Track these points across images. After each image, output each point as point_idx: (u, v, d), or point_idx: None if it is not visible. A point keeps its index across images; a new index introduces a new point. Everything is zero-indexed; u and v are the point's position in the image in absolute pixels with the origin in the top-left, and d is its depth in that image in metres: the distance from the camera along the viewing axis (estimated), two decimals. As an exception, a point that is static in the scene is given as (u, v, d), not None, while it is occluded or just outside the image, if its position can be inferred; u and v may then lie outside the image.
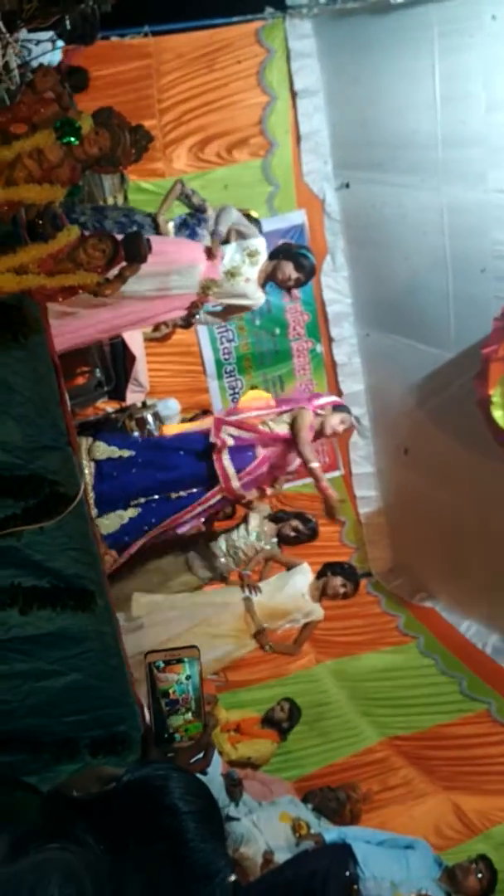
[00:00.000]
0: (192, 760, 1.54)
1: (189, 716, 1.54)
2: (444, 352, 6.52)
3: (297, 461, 4.56)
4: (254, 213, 5.35)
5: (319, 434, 4.63)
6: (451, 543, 7.05)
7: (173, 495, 4.30)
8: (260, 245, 4.55)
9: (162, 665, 1.53)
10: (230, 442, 4.36)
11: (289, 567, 4.98)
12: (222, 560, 5.01)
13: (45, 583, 3.11)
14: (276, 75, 6.92)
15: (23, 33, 3.40)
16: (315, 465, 4.48)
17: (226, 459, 4.32)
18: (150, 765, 1.31)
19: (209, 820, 1.22)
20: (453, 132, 5.82)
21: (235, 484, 4.34)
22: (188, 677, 1.54)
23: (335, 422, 4.61)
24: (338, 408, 4.70)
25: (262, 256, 4.54)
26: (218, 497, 4.43)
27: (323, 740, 6.95)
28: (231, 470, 4.32)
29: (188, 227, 5.14)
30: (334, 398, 4.96)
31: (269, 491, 4.76)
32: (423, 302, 6.60)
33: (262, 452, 4.44)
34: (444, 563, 7.35)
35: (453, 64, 5.66)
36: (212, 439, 4.40)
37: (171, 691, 1.53)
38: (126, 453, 4.26)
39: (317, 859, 4.83)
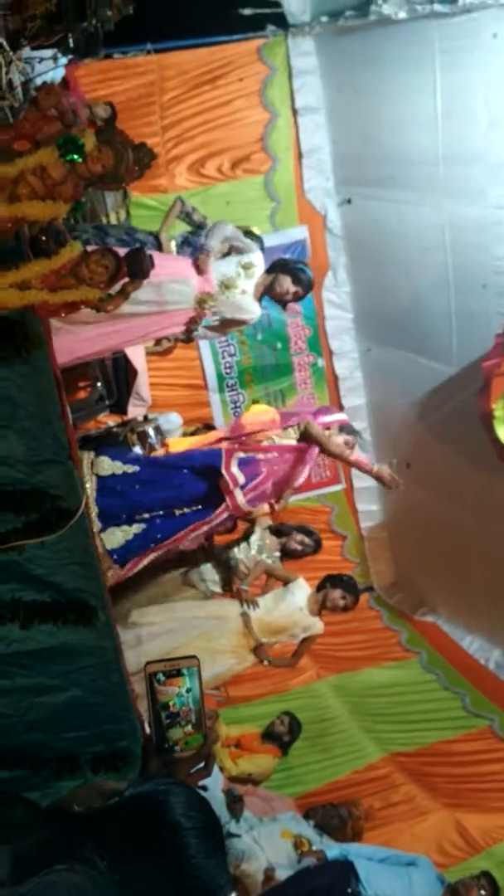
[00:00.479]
0: (193, 771, 1.53)
1: (189, 728, 1.53)
2: (445, 367, 6.53)
3: (303, 475, 4.51)
4: (255, 230, 5.38)
5: (325, 449, 4.61)
6: (453, 558, 7.03)
7: (177, 512, 4.28)
8: (255, 258, 4.56)
9: (163, 678, 1.53)
10: (241, 480, 4.33)
11: (285, 583, 4.97)
12: (223, 574, 5.01)
13: (47, 597, 3.12)
14: (278, 92, 6.97)
15: (26, 51, 3.43)
16: (353, 457, 4.48)
17: (237, 492, 4.30)
18: (151, 780, 1.30)
19: (211, 836, 1.22)
20: (454, 149, 5.85)
21: (241, 500, 4.31)
22: (188, 690, 1.53)
23: (339, 442, 4.59)
24: (344, 428, 4.67)
25: (258, 269, 4.55)
26: (224, 516, 4.41)
27: (324, 756, 6.91)
28: (240, 497, 4.30)
29: (190, 244, 5.16)
30: (341, 417, 4.91)
31: (276, 506, 4.73)
32: (424, 317, 6.61)
33: (265, 469, 4.42)
34: (446, 577, 7.33)
35: (454, 81, 5.70)
36: (223, 472, 4.32)
37: (171, 704, 1.53)
38: (130, 469, 4.25)
39: (318, 877, 4.81)
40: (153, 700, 1.53)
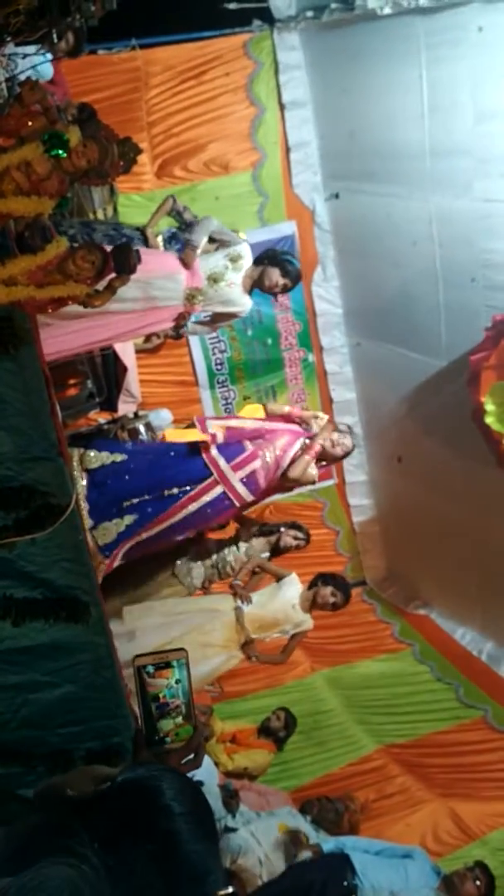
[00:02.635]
0: (183, 761, 1.54)
1: (179, 719, 1.54)
2: (435, 360, 6.55)
3: (292, 451, 4.45)
4: (242, 235, 5.36)
5: (325, 456, 4.55)
6: (445, 551, 7.06)
7: (166, 492, 4.25)
8: (243, 250, 4.56)
9: (152, 671, 1.54)
10: (220, 438, 4.31)
11: (278, 578, 4.98)
12: (209, 570, 5.01)
13: (38, 594, 3.11)
14: (265, 87, 6.97)
15: (9, 47, 3.42)
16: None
17: (214, 452, 4.29)
18: (143, 766, 1.31)
19: (202, 821, 1.23)
20: (441, 142, 5.86)
21: (224, 467, 4.28)
22: (178, 681, 1.54)
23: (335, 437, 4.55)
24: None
25: (246, 261, 4.54)
26: (215, 492, 4.32)
27: (319, 749, 6.93)
28: (222, 462, 4.28)
29: (178, 240, 5.15)
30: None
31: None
32: (413, 311, 6.63)
33: (251, 446, 4.40)
34: (438, 570, 7.35)
35: (441, 75, 5.71)
36: (200, 431, 4.36)
37: (161, 695, 1.54)
38: (119, 457, 4.23)
39: (315, 870, 4.81)
40: (143, 692, 1.54)
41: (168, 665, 1.54)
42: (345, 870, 4.74)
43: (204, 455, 4.31)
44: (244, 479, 4.33)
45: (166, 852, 1.14)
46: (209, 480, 4.27)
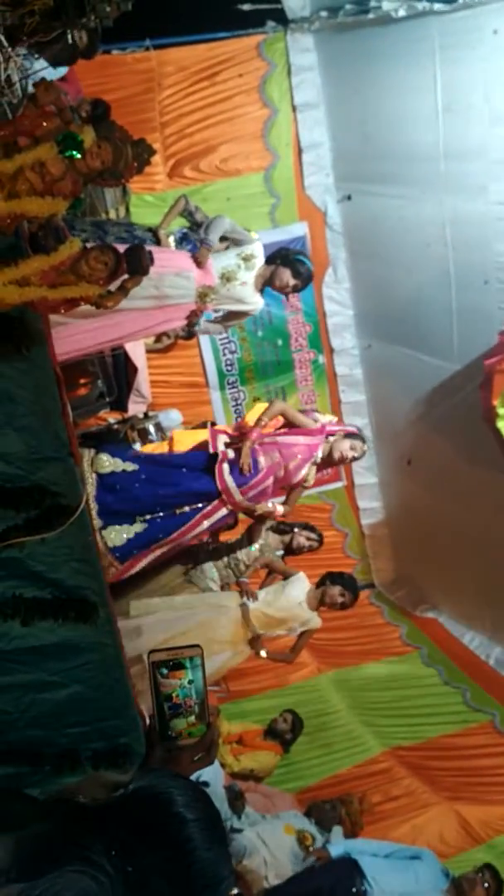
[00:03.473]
0: (196, 759, 1.54)
1: (192, 719, 1.54)
2: (446, 363, 6.53)
3: (302, 471, 4.49)
4: (253, 235, 5.36)
5: (329, 461, 4.58)
6: (454, 554, 7.04)
7: (178, 511, 4.28)
8: (256, 249, 4.56)
9: (165, 672, 1.54)
10: (231, 455, 4.34)
11: (286, 576, 4.98)
12: (223, 571, 5.02)
13: (47, 594, 3.12)
14: (277, 89, 6.96)
15: (24, 48, 3.42)
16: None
17: (226, 472, 4.30)
18: (153, 773, 1.31)
19: (213, 828, 1.24)
20: (455, 145, 5.84)
21: (238, 497, 4.31)
22: (191, 681, 1.54)
23: (345, 447, 4.56)
24: (349, 435, 4.64)
25: (259, 260, 4.55)
26: (223, 511, 4.38)
27: (325, 751, 6.92)
28: (231, 483, 4.29)
29: (189, 241, 5.15)
30: (349, 428, 4.88)
31: (285, 509, 4.71)
32: (425, 313, 6.61)
33: (265, 464, 4.41)
34: (447, 573, 7.33)
35: (455, 77, 5.69)
36: (212, 450, 4.39)
37: (174, 695, 1.54)
38: (130, 467, 4.25)
39: (322, 876, 4.80)
40: (156, 691, 1.54)
41: (182, 665, 1.54)
42: (353, 875, 4.73)
43: (216, 474, 4.31)
44: (251, 498, 4.37)
45: (180, 860, 1.15)
46: (217, 502, 4.31)
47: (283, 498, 4.82)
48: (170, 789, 1.22)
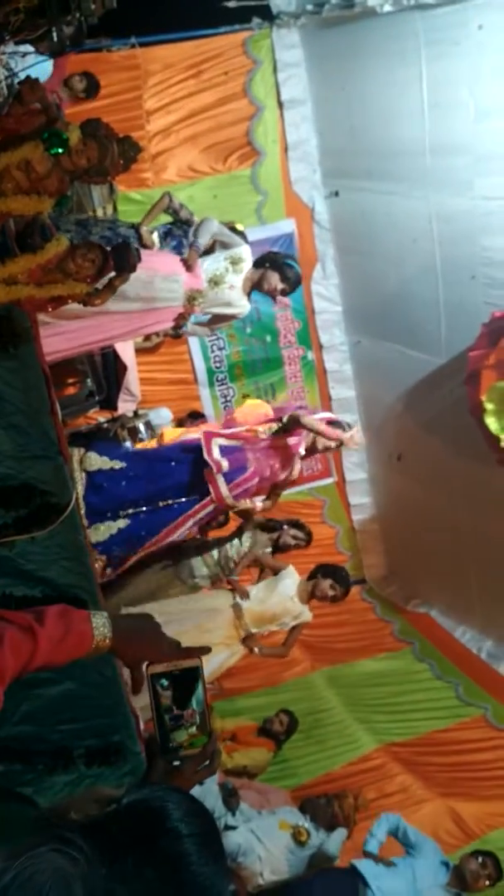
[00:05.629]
0: (199, 768, 1.54)
1: (193, 730, 1.53)
2: (434, 358, 6.54)
3: (288, 471, 4.53)
4: (239, 226, 5.36)
5: (312, 450, 4.61)
6: (445, 549, 7.05)
7: (161, 503, 4.28)
8: (244, 252, 4.56)
9: (165, 683, 1.53)
10: (224, 466, 4.34)
11: (275, 571, 4.98)
12: (213, 569, 5.02)
13: (38, 592, 3.11)
14: (263, 86, 6.96)
15: (9, 46, 3.41)
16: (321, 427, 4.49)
17: (220, 480, 4.31)
18: (148, 786, 1.30)
19: (210, 842, 1.21)
20: (441, 140, 5.85)
21: (225, 492, 4.32)
22: None
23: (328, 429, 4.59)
24: (332, 423, 4.66)
25: (247, 264, 4.55)
26: (209, 508, 4.41)
27: (319, 748, 6.93)
28: (224, 488, 4.32)
29: (174, 237, 5.15)
30: (329, 414, 4.92)
31: (266, 505, 4.74)
32: (413, 309, 6.62)
33: (253, 465, 4.43)
34: (438, 568, 7.35)
35: (440, 72, 5.70)
36: (206, 457, 4.37)
37: (174, 707, 1.53)
38: (118, 465, 4.25)
39: (323, 887, 4.79)
40: (157, 704, 1.53)
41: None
42: (355, 884, 4.72)
43: (208, 479, 4.32)
44: (237, 495, 4.39)
45: (173, 875, 1.13)
46: (205, 500, 4.31)
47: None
48: (164, 803, 1.20)
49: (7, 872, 0.97)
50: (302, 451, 4.53)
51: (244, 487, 4.40)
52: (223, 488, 4.30)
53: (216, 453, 4.37)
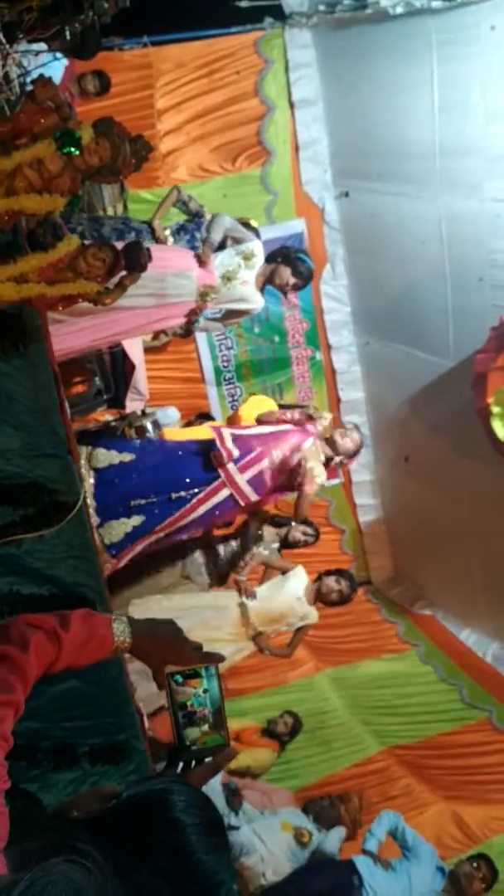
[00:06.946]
0: (207, 760, 1.55)
1: (206, 728, 1.55)
2: (443, 360, 6.53)
3: (301, 453, 4.50)
4: (253, 223, 5.36)
5: (328, 462, 4.61)
6: (451, 551, 7.04)
7: (174, 495, 4.26)
8: (256, 248, 4.56)
9: (181, 679, 1.56)
10: (235, 453, 4.34)
11: (284, 571, 4.99)
12: (221, 566, 5.02)
13: (45, 591, 3.12)
14: (275, 85, 6.96)
15: (22, 44, 3.42)
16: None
17: (231, 468, 4.31)
18: (149, 779, 1.31)
19: (213, 832, 1.22)
20: (451, 142, 5.84)
21: (237, 476, 4.31)
22: (206, 690, 1.56)
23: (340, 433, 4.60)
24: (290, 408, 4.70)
25: (259, 259, 4.55)
26: (222, 495, 4.36)
27: (323, 749, 6.91)
28: (235, 473, 4.31)
29: (187, 231, 5.15)
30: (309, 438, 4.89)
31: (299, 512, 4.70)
32: (421, 310, 6.62)
33: (258, 447, 4.42)
34: (444, 570, 7.34)
35: (452, 74, 5.69)
36: (219, 446, 4.37)
37: (188, 704, 1.55)
38: (127, 457, 4.24)
39: (321, 878, 4.80)
40: (172, 700, 1.56)
41: (197, 674, 1.56)
42: (352, 879, 4.73)
43: (214, 460, 4.32)
44: (250, 480, 4.35)
45: (176, 866, 1.13)
46: (216, 483, 4.29)
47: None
48: (166, 794, 1.21)
49: (19, 884, 0.97)
50: (307, 444, 4.51)
51: (255, 470, 4.36)
52: (235, 474, 4.29)
53: (228, 443, 4.38)
